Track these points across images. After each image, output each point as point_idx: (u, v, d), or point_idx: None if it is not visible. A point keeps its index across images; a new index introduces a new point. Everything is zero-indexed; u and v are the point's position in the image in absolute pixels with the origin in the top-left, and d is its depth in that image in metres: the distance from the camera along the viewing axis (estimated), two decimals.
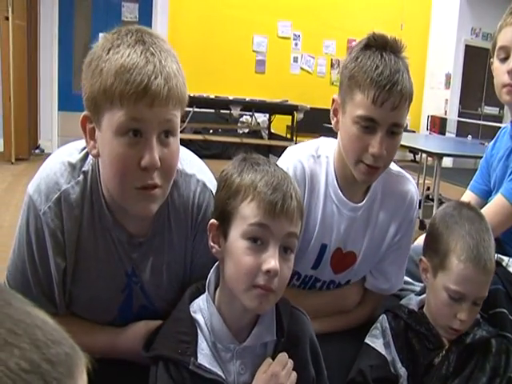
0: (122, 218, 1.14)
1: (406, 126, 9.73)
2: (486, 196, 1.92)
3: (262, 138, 7.23)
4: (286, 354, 1.07)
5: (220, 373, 1.04)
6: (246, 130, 7.20)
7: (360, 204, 1.36)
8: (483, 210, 1.80)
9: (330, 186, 1.34)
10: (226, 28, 8.80)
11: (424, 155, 5.34)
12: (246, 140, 5.60)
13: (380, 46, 1.21)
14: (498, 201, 1.75)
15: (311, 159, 1.35)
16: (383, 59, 1.19)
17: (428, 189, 5.29)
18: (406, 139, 5.86)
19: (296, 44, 9.55)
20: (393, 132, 1.23)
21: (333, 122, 1.31)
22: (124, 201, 1.07)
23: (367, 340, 1.38)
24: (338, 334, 1.43)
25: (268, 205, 0.99)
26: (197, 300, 1.10)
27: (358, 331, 1.42)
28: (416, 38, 10.10)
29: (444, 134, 7.26)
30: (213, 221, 1.06)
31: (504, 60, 1.73)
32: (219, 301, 1.08)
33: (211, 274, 1.11)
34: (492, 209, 1.76)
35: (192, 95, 6.38)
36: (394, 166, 1.40)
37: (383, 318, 1.40)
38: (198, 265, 1.19)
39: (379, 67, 1.18)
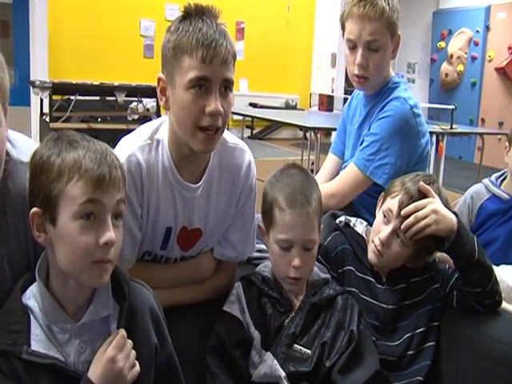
0: None
1: (296, 104, 9.95)
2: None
3: None
4: (124, 334, 1.07)
5: (58, 355, 1.03)
6: (136, 117, 7.01)
7: (198, 184, 1.37)
8: (338, 177, 1.90)
9: (168, 170, 1.33)
10: (112, 12, 8.52)
11: (309, 132, 5.48)
12: (132, 126, 5.44)
13: (198, 13, 1.24)
14: (350, 169, 1.84)
15: (146, 148, 1.31)
16: (205, 22, 1.22)
17: (313, 163, 5.45)
18: (295, 117, 6.01)
19: None
20: (226, 88, 1.25)
21: (161, 103, 1.29)
22: None
23: (224, 307, 1.40)
24: (200, 305, 1.45)
25: (96, 180, 0.99)
26: (30, 287, 1.08)
27: (220, 302, 1.43)
28: (303, 19, 10.33)
29: (332, 111, 7.53)
30: (35, 210, 1.03)
31: (352, 49, 1.78)
32: (52, 284, 1.07)
33: (41, 260, 1.09)
34: (345, 176, 1.86)
35: (74, 82, 6.14)
36: (229, 137, 1.42)
37: (238, 285, 1.43)
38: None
39: (202, 29, 1.21)
